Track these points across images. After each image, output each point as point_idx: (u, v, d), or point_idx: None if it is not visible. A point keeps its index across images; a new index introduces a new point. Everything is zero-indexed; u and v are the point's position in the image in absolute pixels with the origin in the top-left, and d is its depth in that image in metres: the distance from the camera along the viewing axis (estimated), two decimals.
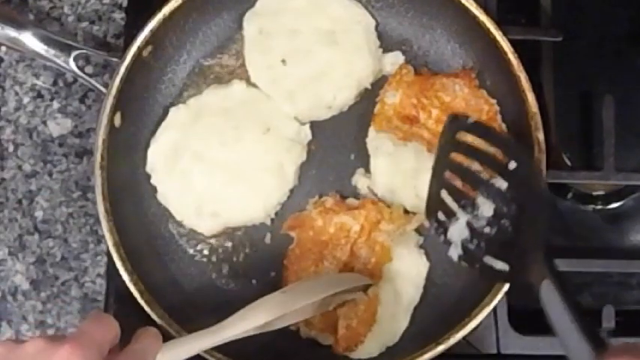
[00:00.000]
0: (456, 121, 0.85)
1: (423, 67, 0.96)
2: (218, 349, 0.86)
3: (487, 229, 0.80)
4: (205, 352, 0.86)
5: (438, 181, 0.85)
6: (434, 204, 0.85)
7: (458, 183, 0.83)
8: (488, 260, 0.80)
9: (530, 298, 0.94)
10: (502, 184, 0.80)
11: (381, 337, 0.89)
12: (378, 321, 0.89)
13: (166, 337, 0.85)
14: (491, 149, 0.82)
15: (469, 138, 0.83)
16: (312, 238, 0.91)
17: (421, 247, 0.92)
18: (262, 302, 0.83)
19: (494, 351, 0.91)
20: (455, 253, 0.83)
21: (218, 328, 0.81)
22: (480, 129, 0.84)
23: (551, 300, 0.76)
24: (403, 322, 0.90)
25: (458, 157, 0.83)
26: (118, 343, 0.72)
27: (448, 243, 0.83)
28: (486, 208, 0.81)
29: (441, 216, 0.84)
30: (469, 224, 0.81)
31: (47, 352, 0.66)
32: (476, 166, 0.82)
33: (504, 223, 0.80)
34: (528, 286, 0.78)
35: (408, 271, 0.91)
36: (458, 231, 0.82)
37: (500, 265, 0.80)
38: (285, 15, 0.94)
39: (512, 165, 0.80)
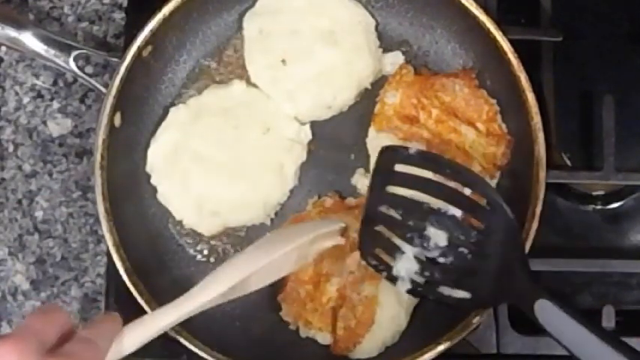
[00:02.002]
0: (394, 153, 0.82)
1: (423, 67, 0.96)
2: (218, 349, 0.86)
3: (442, 259, 0.79)
4: (205, 352, 0.86)
5: (372, 218, 0.82)
6: (370, 242, 0.83)
7: (398, 217, 0.81)
8: (445, 290, 0.79)
9: None
10: (456, 211, 0.78)
11: (381, 337, 0.89)
12: (378, 322, 0.89)
13: (167, 337, 0.85)
14: (439, 178, 0.80)
15: (411, 169, 0.81)
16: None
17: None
18: (229, 262, 0.80)
19: (494, 351, 0.90)
20: (403, 287, 0.82)
21: (183, 299, 0.78)
22: (425, 158, 0.81)
23: (556, 319, 0.75)
24: (403, 323, 0.90)
25: (397, 189, 0.81)
26: (75, 329, 0.71)
27: (394, 279, 0.82)
28: (439, 238, 0.79)
29: (381, 253, 0.82)
30: (417, 257, 0.80)
31: None
32: (421, 197, 0.80)
33: (462, 252, 0.78)
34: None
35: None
36: (405, 265, 0.81)
37: (461, 294, 0.79)
38: (285, 15, 0.94)
39: (467, 191, 0.78)
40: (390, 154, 0.83)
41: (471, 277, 0.79)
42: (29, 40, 0.90)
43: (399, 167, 0.81)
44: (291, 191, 0.94)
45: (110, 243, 0.87)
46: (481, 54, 0.94)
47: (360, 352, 0.89)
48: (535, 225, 0.86)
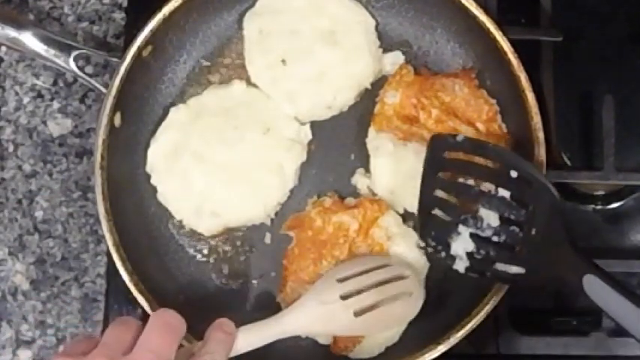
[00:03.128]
0: (443, 141, 0.86)
1: (423, 67, 0.96)
2: None
3: (495, 238, 0.82)
4: None
5: (427, 203, 0.85)
6: (427, 223, 0.86)
7: (453, 200, 0.84)
8: (500, 267, 0.82)
9: (530, 298, 0.95)
10: (505, 193, 0.82)
11: (381, 337, 0.89)
12: None
13: None
14: (487, 162, 0.83)
15: (460, 155, 0.84)
16: (311, 238, 0.91)
17: (420, 247, 0.92)
18: (339, 314, 0.82)
19: (494, 351, 0.91)
20: (462, 265, 0.84)
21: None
22: (473, 145, 0.85)
23: (605, 294, 0.78)
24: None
25: (449, 175, 0.85)
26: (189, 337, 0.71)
27: (452, 258, 0.84)
28: (491, 218, 0.82)
29: (437, 234, 0.84)
30: (473, 236, 0.82)
31: None
32: (471, 181, 0.84)
33: (513, 230, 0.81)
34: (540, 286, 0.79)
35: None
36: (462, 244, 0.83)
37: (515, 269, 0.81)
38: (285, 15, 0.94)
39: (514, 174, 0.82)
40: (439, 142, 0.86)
41: (523, 253, 0.81)
42: (29, 40, 0.90)
43: (449, 154, 0.85)
44: (291, 191, 0.94)
45: (110, 243, 0.87)
46: (481, 54, 0.94)
47: (360, 352, 0.89)
48: None
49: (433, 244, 0.85)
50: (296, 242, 0.91)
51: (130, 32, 0.97)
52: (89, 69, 0.99)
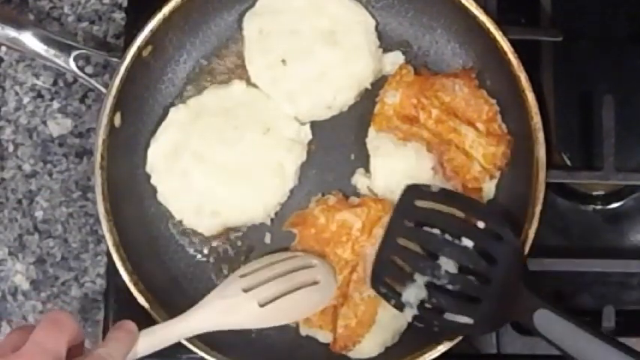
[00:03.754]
0: (416, 190, 0.87)
1: (423, 67, 0.96)
2: (218, 349, 0.86)
3: (450, 286, 0.82)
4: (205, 352, 0.86)
5: (389, 249, 0.86)
6: (383, 271, 0.86)
7: (414, 248, 0.85)
8: (449, 317, 0.82)
9: None
10: (468, 242, 0.82)
11: (381, 337, 0.89)
12: (378, 322, 0.89)
13: None
14: (455, 211, 0.84)
15: (431, 204, 0.85)
16: (314, 236, 0.91)
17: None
18: (242, 305, 0.82)
19: (494, 351, 0.91)
20: (410, 314, 0.84)
21: (195, 313, 0.81)
22: (445, 195, 0.86)
23: (555, 326, 0.78)
24: (404, 323, 0.90)
25: (414, 222, 0.85)
26: (83, 341, 0.71)
27: (401, 306, 0.84)
28: (449, 266, 0.82)
29: (391, 282, 0.84)
30: (428, 285, 0.83)
31: None
32: (436, 230, 0.84)
33: (470, 279, 0.82)
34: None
35: None
36: (414, 292, 0.83)
37: (464, 320, 0.82)
38: (285, 15, 0.94)
39: (481, 224, 0.83)
40: (412, 190, 0.88)
41: (475, 302, 0.82)
42: (29, 40, 0.90)
43: (419, 202, 0.86)
44: (291, 191, 0.94)
45: (110, 243, 0.87)
46: (481, 54, 0.94)
47: (360, 351, 0.89)
48: (535, 225, 0.86)
49: (384, 290, 0.85)
50: (299, 240, 0.91)
51: (130, 32, 0.97)
52: (89, 69, 0.98)
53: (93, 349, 0.70)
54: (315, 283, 0.87)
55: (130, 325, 0.76)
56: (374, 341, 0.89)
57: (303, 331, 0.91)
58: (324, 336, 0.90)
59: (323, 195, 0.93)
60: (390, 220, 0.87)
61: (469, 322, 0.81)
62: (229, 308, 0.82)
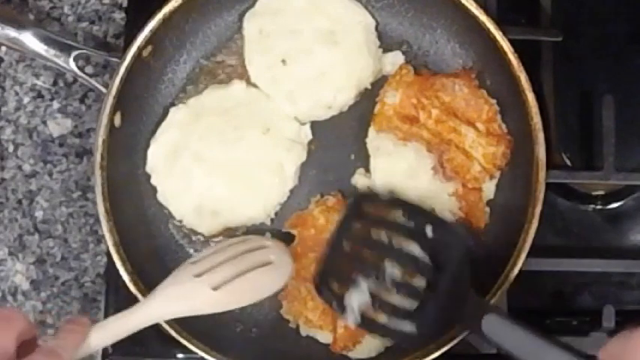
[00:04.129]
0: (365, 196, 0.86)
1: (423, 67, 0.96)
2: (218, 348, 0.86)
3: (393, 292, 0.80)
4: (205, 352, 0.86)
5: (334, 252, 0.84)
6: (327, 274, 0.83)
7: (362, 252, 0.82)
8: (393, 323, 0.80)
9: (531, 298, 0.95)
10: (415, 249, 0.80)
11: (381, 337, 0.89)
12: None
13: (167, 338, 0.86)
14: (402, 218, 0.82)
15: (377, 209, 0.83)
16: (313, 237, 0.91)
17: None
18: (194, 290, 0.81)
19: (495, 351, 0.90)
20: (352, 318, 0.81)
21: (148, 304, 0.80)
22: (393, 202, 0.84)
23: (506, 332, 0.77)
24: None
25: (362, 227, 0.83)
26: (36, 336, 0.70)
27: (342, 309, 0.81)
28: (395, 272, 0.80)
29: (334, 285, 0.82)
30: (371, 289, 0.80)
31: None
32: (383, 236, 0.82)
33: (414, 285, 0.80)
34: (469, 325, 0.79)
35: None
36: (357, 297, 0.81)
37: (408, 327, 0.79)
38: (285, 15, 0.94)
39: (429, 231, 0.81)
40: (361, 197, 0.87)
41: (420, 309, 0.80)
42: (29, 40, 0.90)
43: (368, 208, 0.84)
44: (291, 191, 0.94)
45: (110, 243, 0.87)
46: (481, 54, 0.94)
47: (360, 351, 0.89)
48: (535, 225, 0.86)
49: (327, 293, 0.83)
50: (298, 240, 0.91)
51: (130, 32, 0.97)
52: (89, 69, 0.98)
53: (44, 343, 0.70)
54: (269, 263, 0.85)
55: (83, 319, 0.75)
56: (374, 341, 0.89)
57: (303, 331, 0.91)
58: (324, 336, 0.90)
59: (322, 196, 0.93)
60: (337, 223, 0.85)
61: (413, 331, 0.79)
62: (182, 295, 0.81)
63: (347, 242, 0.83)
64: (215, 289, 0.81)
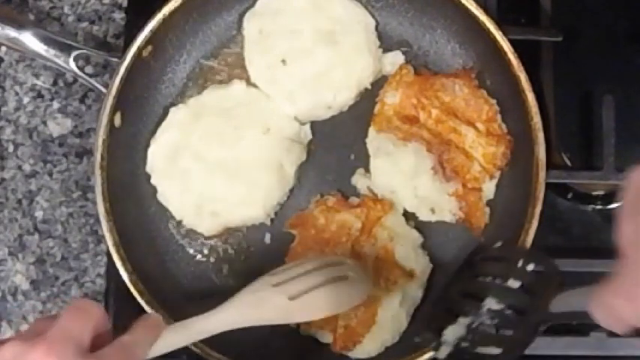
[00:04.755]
0: (482, 250, 0.88)
1: (423, 67, 0.96)
2: (217, 348, 0.86)
3: (488, 321, 0.81)
4: (204, 352, 0.86)
5: (448, 303, 0.85)
6: (436, 322, 0.84)
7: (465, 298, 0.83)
8: (481, 350, 0.81)
9: None
10: (515, 283, 0.81)
11: (381, 337, 0.89)
12: (378, 322, 0.89)
13: None
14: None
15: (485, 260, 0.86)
16: (313, 237, 0.91)
17: (423, 247, 0.92)
18: (271, 299, 0.81)
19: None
20: (445, 352, 0.82)
21: (225, 311, 0.79)
22: (505, 250, 0.86)
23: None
24: (403, 323, 0.90)
25: (473, 275, 0.85)
26: (110, 329, 0.71)
27: (439, 345, 0.83)
28: (492, 304, 0.81)
29: (435, 327, 0.83)
30: (468, 324, 0.81)
31: (23, 356, 0.64)
32: (489, 277, 0.83)
33: (509, 314, 0.80)
34: None
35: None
36: (455, 332, 0.82)
37: (495, 351, 0.80)
38: (285, 15, 0.94)
39: (531, 267, 0.81)
40: (478, 251, 0.89)
41: (508, 335, 0.81)
42: (29, 40, 0.90)
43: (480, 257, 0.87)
44: (291, 191, 0.94)
45: (110, 243, 0.87)
46: (481, 54, 0.94)
47: (360, 351, 0.89)
48: (535, 225, 0.86)
49: (428, 335, 0.84)
50: (299, 240, 0.91)
51: (130, 32, 0.97)
52: (89, 69, 0.98)
53: (119, 338, 0.69)
54: (346, 278, 0.85)
55: (157, 317, 0.75)
56: (374, 341, 0.89)
57: (303, 331, 0.91)
58: (324, 336, 0.90)
59: (322, 196, 0.93)
60: (453, 276, 0.87)
61: (497, 352, 0.80)
62: (259, 302, 0.81)
63: (455, 288, 0.85)
64: (292, 299, 0.81)
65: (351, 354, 0.89)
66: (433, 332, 0.83)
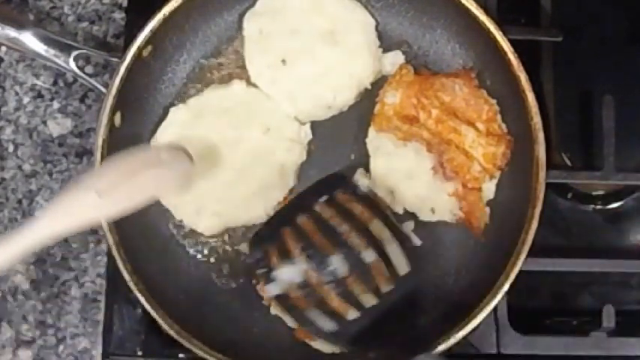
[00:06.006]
0: (343, 181, 0.83)
1: (423, 67, 0.96)
2: (217, 348, 0.86)
3: (330, 286, 0.78)
4: (204, 352, 0.86)
5: (287, 218, 0.81)
6: (266, 236, 0.81)
7: (313, 232, 0.80)
8: (313, 314, 0.78)
9: (531, 298, 0.95)
10: (370, 256, 0.78)
11: None
12: None
13: (167, 338, 0.86)
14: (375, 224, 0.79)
15: (350, 203, 0.81)
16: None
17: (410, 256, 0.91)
18: (79, 200, 0.79)
19: (494, 351, 0.90)
20: (273, 289, 0.80)
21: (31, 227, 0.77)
22: (370, 203, 0.81)
23: None
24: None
25: (327, 209, 0.81)
26: None
27: (268, 278, 0.79)
28: (340, 270, 0.78)
29: (271, 250, 0.80)
30: (307, 273, 0.79)
31: None
32: (343, 228, 0.80)
33: (353, 291, 0.77)
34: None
35: None
36: (289, 274, 0.79)
37: (328, 325, 0.77)
38: (285, 15, 0.94)
39: (395, 245, 0.78)
40: (339, 179, 0.83)
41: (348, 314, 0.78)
42: (29, 40, 0.90)
43: (341, 196, 0.82)
44: (291, 191, 0.94)
45: (110, 243, 0.87)
46: (481, 54, 0.94)
47: (323, 345, 0.89)
48: (535, 225, 0.86)
49: (259, 255, 0.80)
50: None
51: (130, 32, 0.97)
52: (89, 69, 0.98)
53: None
54: (160, 164, 0.84)
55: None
56: None
57: (273, 310, 0.90)
58: (290, 320, 0.89)
59: None
60: (302, 192, 0.82)
61: (331, 329, 0.77)
62: (68, 207, 0.78)
63: (303, 216, 0.81)
64: (101, 193, 0.79)
65: (313, 344, 0.89)
66: (266, 256, 0.80)
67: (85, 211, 0.79)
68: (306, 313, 0.78)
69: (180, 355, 0.91)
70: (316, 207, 0.82)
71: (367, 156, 0.93)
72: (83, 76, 0.92)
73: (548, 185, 0.88)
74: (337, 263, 0.78)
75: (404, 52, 0.96)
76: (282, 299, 0.79)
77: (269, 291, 0.80)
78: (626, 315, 0.92)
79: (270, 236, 0.81)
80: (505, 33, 0.89)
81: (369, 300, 0.77)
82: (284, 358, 0.91)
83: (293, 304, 0.79)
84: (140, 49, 0.90)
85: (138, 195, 0.82)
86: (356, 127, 0.95)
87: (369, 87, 0.95)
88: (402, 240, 0.80)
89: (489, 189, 0.92)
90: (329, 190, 0.82)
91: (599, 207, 0.97)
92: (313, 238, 0.80)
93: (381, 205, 0.83)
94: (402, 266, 0.79)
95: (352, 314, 0.78)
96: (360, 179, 0.94)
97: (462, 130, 0.91)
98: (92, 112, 1.00)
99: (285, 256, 0.79)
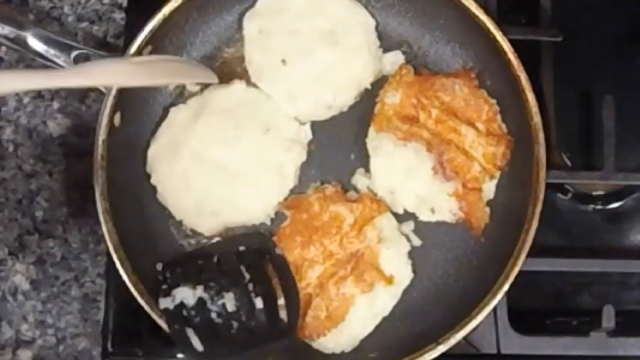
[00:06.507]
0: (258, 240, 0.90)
1: (423, 67, 0.96)
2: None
3: (214, 316, 0.83)
4: None
5: (203, 253, 0.88)
6: (182, 261, 0.87)
7: (220, 269, 0.85)
8: (189, 333, 0.83)
9: (531, 298, 0.95)
10: (259, 303, 0.83)
11: (343, 337, 0.89)
12: (347, 321, 0.88)
13: (168, 338, 0.86)
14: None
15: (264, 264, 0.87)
16: (304, 221, 0.91)
17: (410, 256, 0.92)
18: (111, 66, 0.85)
19: (494, 351, 0.91)
20: (163, 303, 0.84)
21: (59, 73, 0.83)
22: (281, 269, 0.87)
23: None
24: (367, 329, 0.90)
25: (240, 257, 0.87)
26: None
27: (165, 293, 0.85)
28: (230, 306, 0.83)
29: (180, 272, 0.86)
30: (201, 300, 0.83)
31: None
32: (247, 275, 0.85)
33: (232, 324, 0.83)
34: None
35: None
36: (184, 294, 0.84)
37: (198, 345, 0.83)
38: (285, 15, 0.94)
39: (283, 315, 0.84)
40: (255, 238, 0.92)
41: (218, 340, 0.83)
42: (29, 40, 0.90)
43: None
44: (291, 191, 0.94)
45: (110, 243, 0.87)
46: (481, 54, 0.94)
47: (322, 344, 0.89)
48: (535, 225, 0.86)
49: (164, 273, 0.86)
50: (289, 222, 0.91)
51: (130, 32, 0.97)
52: None
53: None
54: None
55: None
56: (337, 339, 0.89)
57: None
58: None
59: (322, 183, 0.93)
60: (227, 239, 0.90)
61: (198, 349, 0.82)
62: (105, 66, 0.84)
63: (218, 255, 0.87)
64: (133, 64, 0.87)
65: (313, 344, 0.89)
66: (171, 279, 0.85)
67: (116, 73, 0.84)
68: (186, 331, 0.83)
69: (180, 355, 0.91)
70: (233, 251, 0.87)
71: (367, 156, 0.93)
72: None
73: (548, 185, 0.88)
74: (230, 301, 0.83)
75: (404, 52, 0.96)
76: (167, 313, 0.84)
77: (161, 303, 0.85)
78: (626, 315, 0.92)
79: (184, 262, 0.87)
80: (505, 33, 0.89)
81: (242, 337, 0.84)
82: (284, 358, 0.91)
83: (174, 320, 0.84)
84: (140, 49, 0.90)
85: (164, 76, 0.89)
86: (356, 127, 0.95)
87: (369, 87, 0.95)
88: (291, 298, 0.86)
89: (489, 189, 0.92)
90: (250, 244, 0.89)
91: (599, 207, 0.98)
92: (218, 274, 0.85)
93: (289, 270, 0.89)
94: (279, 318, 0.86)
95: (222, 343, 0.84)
96: (360, 179, 0.94)
97: (462, 130, 0.91)
98: (92, 112, 1.00)
99: (189, 280, 0.84)
